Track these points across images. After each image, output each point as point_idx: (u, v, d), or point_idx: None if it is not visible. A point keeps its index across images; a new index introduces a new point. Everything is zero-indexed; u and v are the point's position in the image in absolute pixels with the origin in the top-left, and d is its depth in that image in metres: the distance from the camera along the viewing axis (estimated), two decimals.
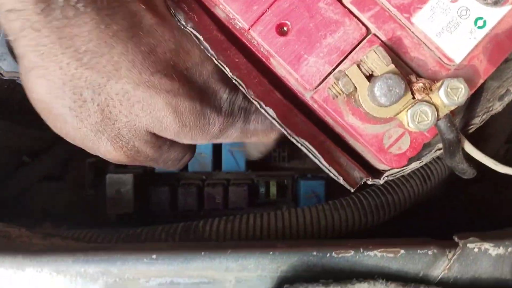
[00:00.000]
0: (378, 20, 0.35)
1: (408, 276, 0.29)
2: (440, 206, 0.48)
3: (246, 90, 0.35)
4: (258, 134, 0.39)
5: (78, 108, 0.31)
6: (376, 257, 0.29)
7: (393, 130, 0.35)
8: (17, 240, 0.32)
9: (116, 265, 0.29)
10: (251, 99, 0.35)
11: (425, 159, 0.36)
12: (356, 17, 0.35)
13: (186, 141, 0.35)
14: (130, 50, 0.31)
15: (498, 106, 0.35)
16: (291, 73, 0.35)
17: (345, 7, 0.35)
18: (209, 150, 0.54)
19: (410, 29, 0.35)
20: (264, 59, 0.37)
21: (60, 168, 0.57)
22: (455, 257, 0.29)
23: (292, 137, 0.35)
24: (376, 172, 0.38)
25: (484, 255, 0.29)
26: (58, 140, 0.57)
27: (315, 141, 0.36)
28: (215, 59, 0.35)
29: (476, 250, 0.29)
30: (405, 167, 0.36)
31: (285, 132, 0.35)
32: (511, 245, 0.30)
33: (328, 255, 0.29)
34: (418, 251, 0.29)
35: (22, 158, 0.56)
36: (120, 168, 0.53)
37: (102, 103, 0.31)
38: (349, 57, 0.34)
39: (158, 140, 0.35)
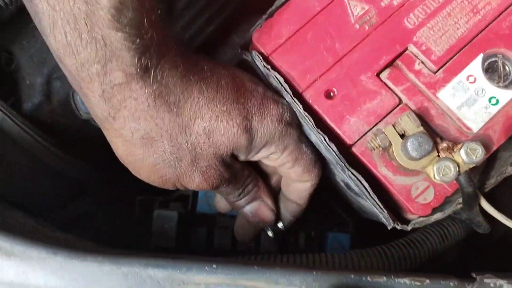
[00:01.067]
0: (409, 93, 0.42)
1: None
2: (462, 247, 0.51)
3: (313, 125, 0.41)
4: (305, 159, 0.43)
5: (175, 153, 0.37)
6: (405, 284, 0.33)
7: (420, 183, 0.41)
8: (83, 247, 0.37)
9: (182, 271, 0.34)
10: (317, 134, 0.41)
11: (448, 211, 0.41)
12: (390, 89, 0.43)
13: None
14: (204, 88, 0.37)
15: (510, 170, 0.41)
16: (335, 131, 0.42)
17: (382, 81, 0.43)
18: None
19: (435, 102, 0.42)
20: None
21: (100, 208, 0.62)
22: None
23: (349, 169, 0.40)
24: (401, 219, 0.43)
25: None
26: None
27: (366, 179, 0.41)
28: (291, 96, 0.42)
29: (492, 285, 0.34)
30: (430, 216, 0.41)
31: (343, 165, 0.40)
32: None
33: (364, 279, 0.34)
34: (441, 281, 0.34)
35: (75, 193, 0.61)
36: (164, 207, 0.58)
37: (193, 142, 0.37)
38: (384, 120, 0.42)
39: (234, 162, 0.41)
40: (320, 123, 0.42)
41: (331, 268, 0.36)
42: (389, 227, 0.39)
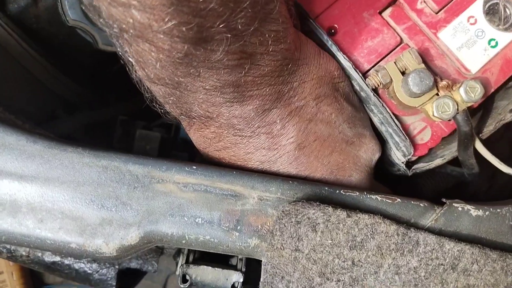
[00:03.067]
0: (410, 32, 0.42)
1: (401, 221, 0.34)
2: None
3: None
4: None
5: None
6: (376, 200, 0.34)
7: (417, 123, 0.41)
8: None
9: (162, 169, 0.34)
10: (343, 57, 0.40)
11: (448, 156, 0.42)
12: (392, 28, 0.42)
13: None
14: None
15: (509, 117, 0.41)
16: None
17: (384, 19, 0.42)
18: None
19: (435, 42, 0.42)
20: None
21: (82, 132, 0.60)
22: (442, 211, 0.35)
23: (375, 95, 0.40)
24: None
25: (466, 214, 0.35)
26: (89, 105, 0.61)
27: None
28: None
29: (460, 209, 0.35)
30: (430, 162, 0.42)
31: (368, 91, 0.40)
32: (488, 210, 0.35)
33: (337, 191, 0.35)
34: (412, 202, 0.35)
35: (56, 111, 0.59)
36: (147, 128, 0.57)
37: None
38: (385, 59, 0.41)
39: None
40: None
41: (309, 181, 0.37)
42: (405, 159, 0.40)
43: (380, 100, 0.40)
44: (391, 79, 0.39)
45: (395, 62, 0.39)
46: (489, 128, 0.42)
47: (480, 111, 0.45)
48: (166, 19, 0.25)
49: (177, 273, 0.39)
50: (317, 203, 0.33)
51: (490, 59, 0.42)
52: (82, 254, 0.33)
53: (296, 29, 0.36)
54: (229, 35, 0.27)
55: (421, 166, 0.42)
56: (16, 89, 0.52)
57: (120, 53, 0.30)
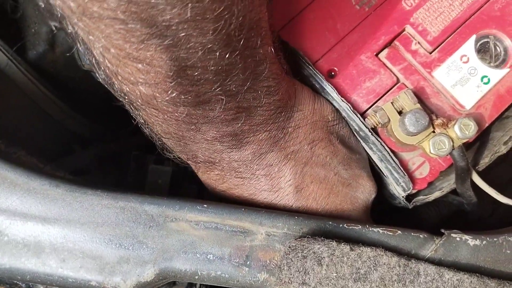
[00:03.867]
0: (406, 72, 0.44)
1: (402, 252, 0.36)
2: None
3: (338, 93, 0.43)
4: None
5: None
6: (378, 233, 0.36)
7: (416, 159, 0.43)
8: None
9: (175, 208, 0.36)
10: (341, 100, 0.43)
11: (446, 189, 0.44)
12: (389, 68, 0.44)
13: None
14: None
15: (503, 149, 0.43)
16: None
17: (380, 60, 0.45)
18: None
19: (430, 81, 0.44)
20: None
21: (96, 165, 0.63)
22: (441, 242, 0.36)
23: (373, 135, 0.42)
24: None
25: (464, 244, 0.37)
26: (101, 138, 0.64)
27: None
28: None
29: (458, 239, 0.37)
30: (429, 195, 0.43)
31: (367, 131, 0.42)
32: (485, 239, 0.37)
33: (340, 225, 0.36)
34: (412, 233, 0.37)
35: (72, 146, 0.62)
36: (159, 163, 0.59)
37: None
38: (383, 98, 0.44)
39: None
40: None
41: (314, 216, 0.39)
42: (405, 194, 0.41)
43: (378, 139, 0.42)
44: (389, 119, 0.41)
45: (392, 103, 0.41)
46: (485, 160, 0.44)
47: (476, 143, 0.47)
48: (169, 92, 0.28)
49: None
50: (322, 238, 0.34)
51: (483, 95, 0.44)
52: None
53: (290, 77, 0.39)
54: (224, 97, 0.30)
55: (421, 199, 0.44)
56: (36, 129, 0.55)
57: (132, 114, 0.34)
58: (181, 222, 0.36)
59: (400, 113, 0.41)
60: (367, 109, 0.44)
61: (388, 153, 0.42)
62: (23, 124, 0.54)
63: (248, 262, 0.36)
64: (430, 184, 0.43)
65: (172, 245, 0.36)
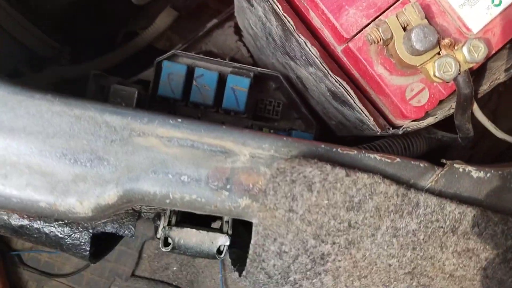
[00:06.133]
0: None
1: (400, 181, 0.33)
2: None
3: (295, 29, 0.38)
4: None
5: None
6: (375, 159, 0.33)
7: (415, 84, 0.39)
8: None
9: (143, 121, 0.30)
10: (298, 37, 0.38)
11: (440, 116, 0.40)
12: None
13: None
14: None
15: (503, 76, 0.40)
16: (331, 22, 0.39)
17: None
18: (214, 84, 0.54)
19: None
20: (305, 13, 0.40)
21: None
22: (442, 172, 0.33)
23: (332, 76, 0.38)
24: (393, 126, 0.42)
25: (467, 175, 0.34)
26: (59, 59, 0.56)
27: (350, 84, 0.39)
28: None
29: (461, 170, 0.34)
30: (422, 121, 0.40)
31: (326, 71, 0.38)
32: (490, 171, 0.34)
33: (334, 149, 0.33)
34: (412, 162, 0.33)
35: (19, 67, 0.54)
36: (123, 83, 0.52)
37: None
38: (384, 14, 0.39)
39: None
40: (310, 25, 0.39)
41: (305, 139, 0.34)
42: (377, 133, 0.38)
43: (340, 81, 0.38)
44: (392, 35, 0.36)
45: (397, 16, 0.36)
46: (484, 87, 0.41)
47: (473, 76, 0.43)
48: None
49: (158, 236, 0.36)
50: (315, 160, 0.30)
51: (493, 18, 0.40)
52: (53, 214, 0.30)
53: None
54: None
55: (412, 125, 0.40)
56: None
57: None
58: (150, 137, 0.30)
59: (405, 29, 0.37)
60: (367, 25, 0.39)
61: (350, 94, 0.37)
62: None
63: (228, 186, 0.31)
64: (427, 113, 0.39)
65: (139, 163, 0.30)
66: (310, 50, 0.38)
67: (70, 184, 0.29)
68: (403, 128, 0.40)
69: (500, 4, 0.40)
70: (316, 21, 0.40)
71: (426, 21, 0.36)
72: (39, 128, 0.29)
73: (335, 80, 0.38)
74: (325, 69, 0.38)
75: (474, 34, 0.39)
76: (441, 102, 0.40)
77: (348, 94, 0.38)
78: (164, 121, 0.31)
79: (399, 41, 0.36)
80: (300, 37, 0.38)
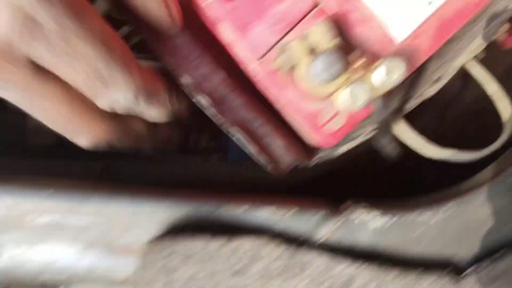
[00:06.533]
0: None
1: (291, 237, 0.30)
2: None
3: (182, 77, 0.33)
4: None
5: None
6: (266, 214, 0.31)
7: (330, 108, 0.34)
8: None
9: (6, 196, 0.29)
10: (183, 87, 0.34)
11: (361, 138, 0.36)
12: None
13: None
14: None
15: (431, 91, 0.35)
16: (238, 40, 0.34)
17: None
18: None
19: (358, 4, 0.33)
20: (212, 27, 0.35)
21: None
22: (338, 224, 0.31)
23: (224, 126, 0.34)
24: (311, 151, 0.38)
25: (364, 226, 0.31)
26: None
27: (250, 127, 0.35)
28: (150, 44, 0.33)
29: (356, 221, 0.31)
30: (337, 148, 0.36)
31: (217, 121, 0.34)
32: (394, 217, 0.32)
33: (219, 209, 0.30)
34: (308, 213, 0.31)
35: None
36: None
37: None
38: (296, 28, 0.33)
39: None
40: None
41: (190, 195, 0.32)
42: (278, 178, 0.34)
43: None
44: (297, 61, 0.31)
45: (302, 39, 0.31)
46: (411, 103, 0.36)
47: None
48: None
49: None
50: (190, 232, 0.28)
51: (424, 20, 0.33)
52: None
53: None
54: None
55: (326, 154, 0.36)
56: None
57: None
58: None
59: (313, 52, 0.31)
60: (277, 43, 0.33)
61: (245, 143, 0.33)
62: None
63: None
64: (343, 139, 0.35)
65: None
66: (199, 101, 0.33)
67: None
68: (314, 160, 0.36)
69: (433, 1, 0.33)
70: (226, 35, 0.35)
71: (335, 41, 0.31)
72: None
73: (228, 132, 0.34)
74: (219, 118, 0.33)
75: (400, 43, 0.34)
76: (360, 123, 0.35)
77: (244, 143, 0.34)
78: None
79: (303, 69, 0.31)
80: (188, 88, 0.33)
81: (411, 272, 0.30)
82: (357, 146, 0.37)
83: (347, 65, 0.31)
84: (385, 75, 0.31)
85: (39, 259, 0.28)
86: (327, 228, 0.30)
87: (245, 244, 0.28)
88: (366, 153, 0.40)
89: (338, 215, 0.31)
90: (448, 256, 0.32)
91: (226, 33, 0.35)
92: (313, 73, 0.31)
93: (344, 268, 0.29)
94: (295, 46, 0.31)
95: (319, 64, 0.30)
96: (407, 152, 0.35)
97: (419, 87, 0.36)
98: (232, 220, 0.30)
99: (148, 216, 0.29)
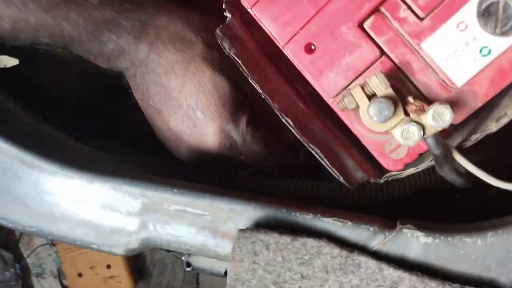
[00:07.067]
0: (391, 44, 0.40)
1: (348, 243, 0.38)
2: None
3: (272, 104, 0.44)
4: None
5: None
6: (328, 222, 0.39)
7: (393, 140, 0.42)
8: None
9: (151, 190, 0.42)
10: (276, 112, 0.44)
11: (421, 167, 0.42)
12: (372, 40, 0.41)
13: None
14: None
15: (493, 127, 0.39)
16: (315, 83, 0.43)
17: (363, 30, 0.41)
18: None
19: (419, 54, 0.40)
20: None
21: None
22: (390, 236, 0.37)
23: (305, 143, 0.43)
24: (381, 170, 0.45)
25: (415, 240, 0.37)
26: None
27: (326, 145, 0.44)
28: (250, 78, 0.44)
29: (409, 235, 0.37)
30: (402, 171, 0.42)
31: (300, 139, 0.43)
32: (439, 237, 0.37)
33: (293, 213, 0.40)
34: (363, 225, 0.38)
35: None
36: None
37: None
38: (363, 75, 0.41)
39: None
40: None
41: (270, 201, 0.41)
42: (351, 188, 0.42)
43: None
44: (357, 104, 0.39)
45: (362, 87, 0.39)
46: (472, 138, 0.41)
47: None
48: None
49: (183, 258, 0.50)
50: (265, 230, 0.38)
51: (480, 70, 0.39)
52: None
53: None
54: None
55: (393, 175, 0.43)
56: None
57: None
58: (156, 203, 0.42)
59: (371, 97, 0.39)
60: (347, 86, 0.42)
61: (321, 157, 0.42)
62: None
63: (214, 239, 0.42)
64: (407, 165, 0.42)
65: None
66: (286, 120, 0.43)
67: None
68: (384, 178, 0.43)
69: (489, 53, 0.38)
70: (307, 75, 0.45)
71: (390, 90, 0.38)
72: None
73: (309, 146, 0.43)
74: (300, 136, 0.43)
75: (458, 88, 0.39)
76: (421, 155, 0.41)
77: (320, 157, 0.43)
78: (166, 190, 0.42)
79: (364, 111, 0.39)
80: (277, 111, 0.44)
81: (451, 286, 0.36)
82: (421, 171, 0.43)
83: (396, 110, 0.38)
84: (434, 120, 0.37)
85: (170, 233, 0.41)
86: (380, 239, 0.38)
87: (310, 242, 0.38)
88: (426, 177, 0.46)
89: (391, 230, 0.38)
90: (489, 280, 0.36)
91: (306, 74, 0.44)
92: (370, 114, 0.39)
93: (391, 273, 0.36)
94: (356, 92, 0.40)
95: (372, 109, 0.38)
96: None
97: (481, 125, 0.41)
98: (302, 222, 0.40)
99: (240, 213, 0.41)
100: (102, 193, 0.43)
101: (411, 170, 0.43)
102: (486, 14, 0.38)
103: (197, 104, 0.45)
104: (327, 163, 0.43)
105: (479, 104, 0.39)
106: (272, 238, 0.38)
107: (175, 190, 0.42)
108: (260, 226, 0.40)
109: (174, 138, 0.48)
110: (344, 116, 0.43)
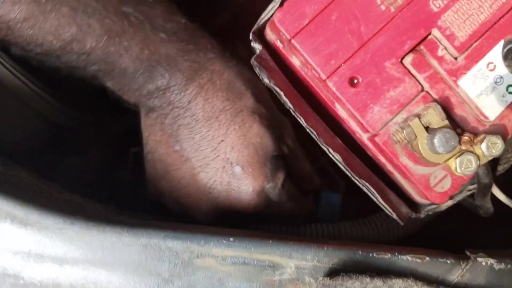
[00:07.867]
0: (431, 81, 0.42)
1: (430, 279, 0.36)
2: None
3: (318, 138, 0.41)
4: None
5: None
6: (407, 260, 0.37)
7: (438, 172, 0.42)
8: (97, 213, 0.37)
9: (200, 243, 0.35)
10: (322, 146, 0.41)
11: (457, 198, 0.43)
12: (413, 76, 0.42)
13: None
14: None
15: None
16: (356, 118, 0.42)
17: (405, 67, 0.42)
18: None
19: (456, 90, 0.42)
20: (329, 104, 0.43)
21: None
22: (467, 267, 0.37)
23: (355, 179, 0.41)
24: (414, 206, 0.46)
25: (489, 268, 0.38)
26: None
27: (371, 181, 0.43)
28: (293, 111, 0.41)
29: (483, 263, 0.38)
30: (441, 204, 0.43)
31: (349, 175, 0.41)
32: (510, 263, 0.38)
33: (370, 255, 0.37)
34: (440, 259, 0.37)
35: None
36: None
37: None
38: (406, 108, 0.42)
39: None
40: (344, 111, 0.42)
41: (343, 243, 0.38)
42: (402, 223, 0.41)
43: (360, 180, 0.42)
44: (416, 136, 0.40)
45: (419, 119, 0.40)
46: (499, 168, 0.44)
47: None
48: None
49: None
50: (356, 274, 0.34)
51: (508, 105, 0.43)
52: None
53: None
54: None
55: (433, 208, 0.43)
56: (27, 133, 0.50)
57: None
58: (207, 258, 0.34)
59: (427, 128, 0.40)
60: (390, 120, 0.42)
61: (375, 195, 0.41)
62: (10, 125, 0.49)
63: None
64: (450, 197, 0.43)
65: (199, 282, 0.34)
66: (333, 156, 0.41)
67: None
68: (424, 212, 0.44)
69: (504, 96, 0.43)
70: (342, 113, 0.44)
71: (446, 121, 0.39)
72: (112, 258, 0.33)
73: (359, 182, 0.41)
74: (349, 172, 0.41)
75: (491, 122, 0.43)
76: (462, 186, 0.43)
77: (371, 193, 0.41)
78: (219, 241, 0.35)
79: (423, 142, 0.40)
80: (324, 145, 0.41)
81: None
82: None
83: (460, 140, 0.39)
84: (487, 150, 0.39)
85: None
86: (457, 271, 0.37)
87: (398, 283, 0.34)
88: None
89: (465, 260, 0.37)
90: None
91: (342, 112, 0.43)
92: (432, 146, 0.39)
93: None
94: (414, 124, 0.40)
95: (438, 139, 0.38)
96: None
97: (503, 156, 0.44)
98: (380, 265, 0.36)
99: (312, 260, 0.36)
100: (130, 251, 0.34)
101: (449, 203, 0.44)
102: (510, 57, 0.42)
103: (238, 159, 0.40)
104: (380, 199, 0.41)
105: (509, 136, 0.43)
106: (360, 283, 0.34)
107: (231, 240, 0.35)
108: (339, 272, 0.35)
109: (198, 193, 0.41)
110: (389, 150, 0.42)
